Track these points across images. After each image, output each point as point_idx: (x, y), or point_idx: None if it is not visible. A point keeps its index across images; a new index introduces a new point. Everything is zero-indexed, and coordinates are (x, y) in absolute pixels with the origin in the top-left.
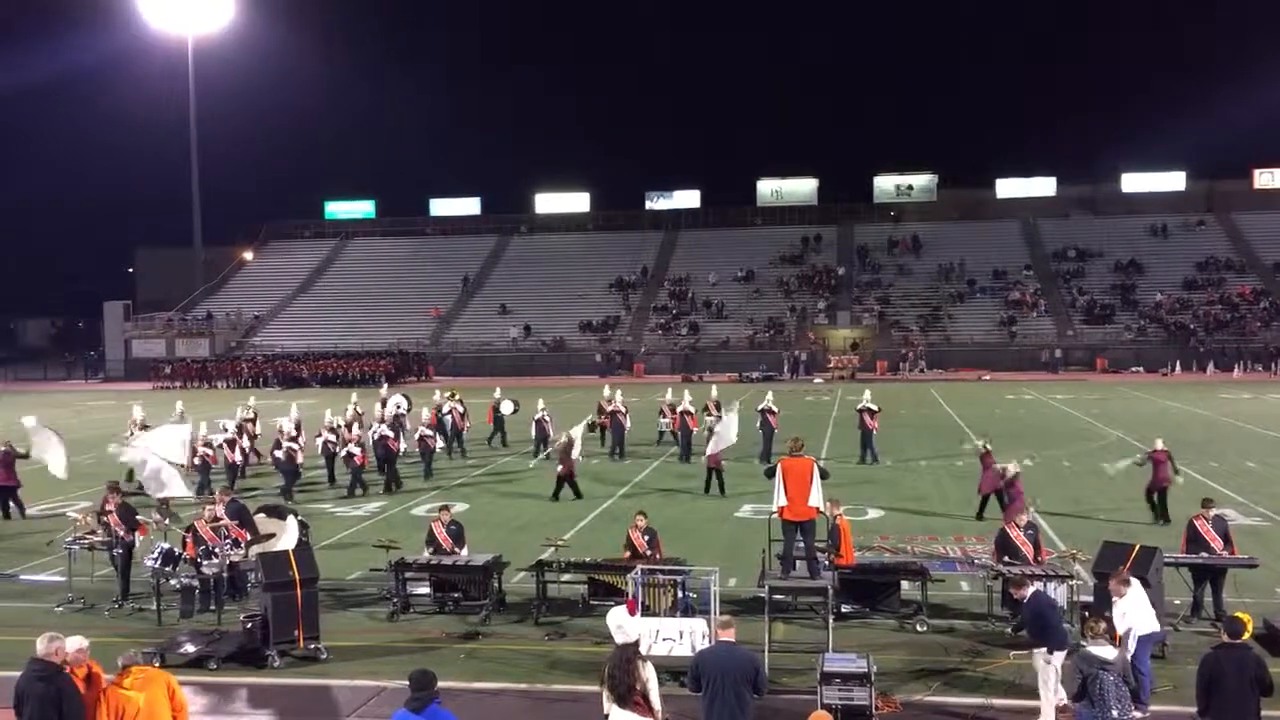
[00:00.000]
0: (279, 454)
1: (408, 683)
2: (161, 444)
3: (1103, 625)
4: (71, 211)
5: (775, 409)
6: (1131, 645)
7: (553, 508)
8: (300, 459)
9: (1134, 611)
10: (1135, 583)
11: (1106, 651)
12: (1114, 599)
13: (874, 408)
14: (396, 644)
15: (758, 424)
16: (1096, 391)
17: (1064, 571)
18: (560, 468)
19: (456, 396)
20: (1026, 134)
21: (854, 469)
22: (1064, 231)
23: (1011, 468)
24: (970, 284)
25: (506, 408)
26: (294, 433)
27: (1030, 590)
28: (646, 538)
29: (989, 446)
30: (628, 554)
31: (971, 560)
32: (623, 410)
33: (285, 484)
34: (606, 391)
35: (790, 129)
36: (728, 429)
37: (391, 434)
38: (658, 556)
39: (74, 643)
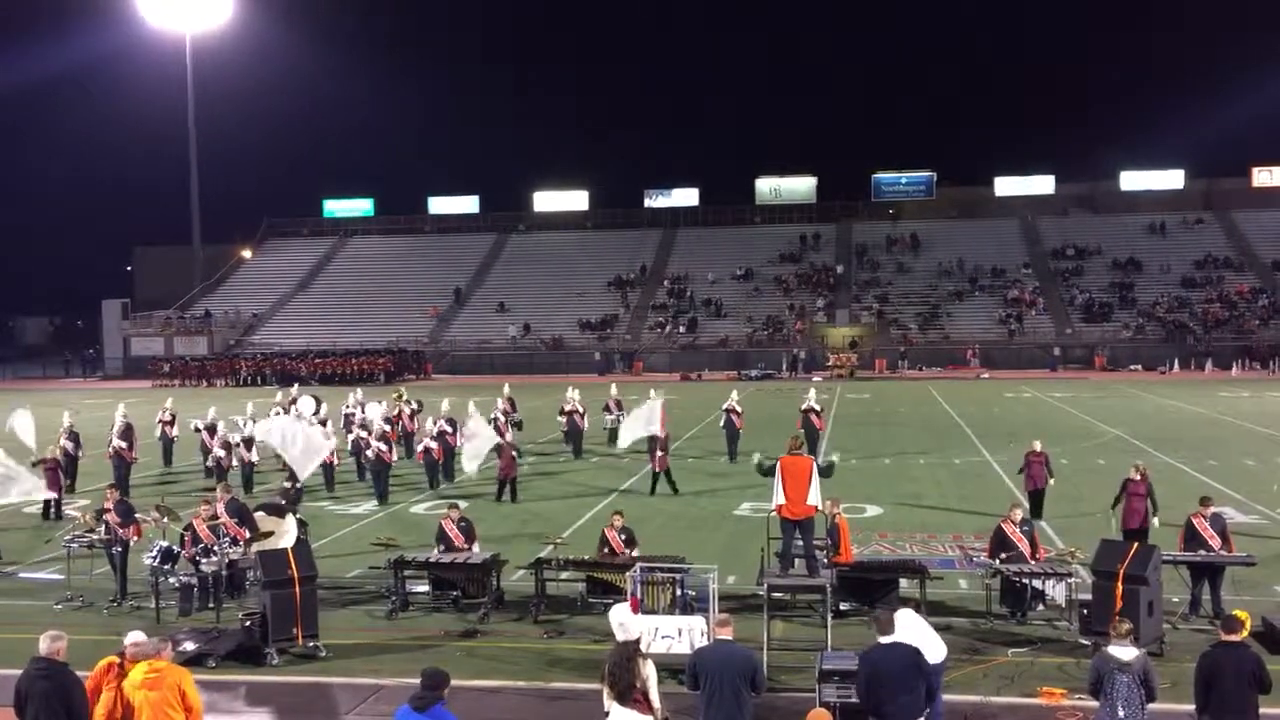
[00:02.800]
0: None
1: (416, 679)
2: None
3: (1126, 626)
4: (70, 209)
5: (739, 409)
6: None
7: (550, 507)
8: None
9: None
10: (903, 617)
11: (1125, 653)
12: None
13: (818, 408)
14: (395, 642)
15: (722, 423)
16: (1095, 389)
17: (1062, 569)
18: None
19: (404, 398)
20: (1025, 132)
21: (852, 466)
22: (1063, 229)
23: (1134, 472)
24: (970, 282)
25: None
26: (448, 428)
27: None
28: (623, 537)
29: (1039, 446)
30: (604, 553)
31: (970, 558)
32: (580, 410)
33: (431, 478)
34: (506, 389)
35: (789, 127)
36: (642, 418)
37: (450, 429)
38: (634, 556)
39: (133, 636)
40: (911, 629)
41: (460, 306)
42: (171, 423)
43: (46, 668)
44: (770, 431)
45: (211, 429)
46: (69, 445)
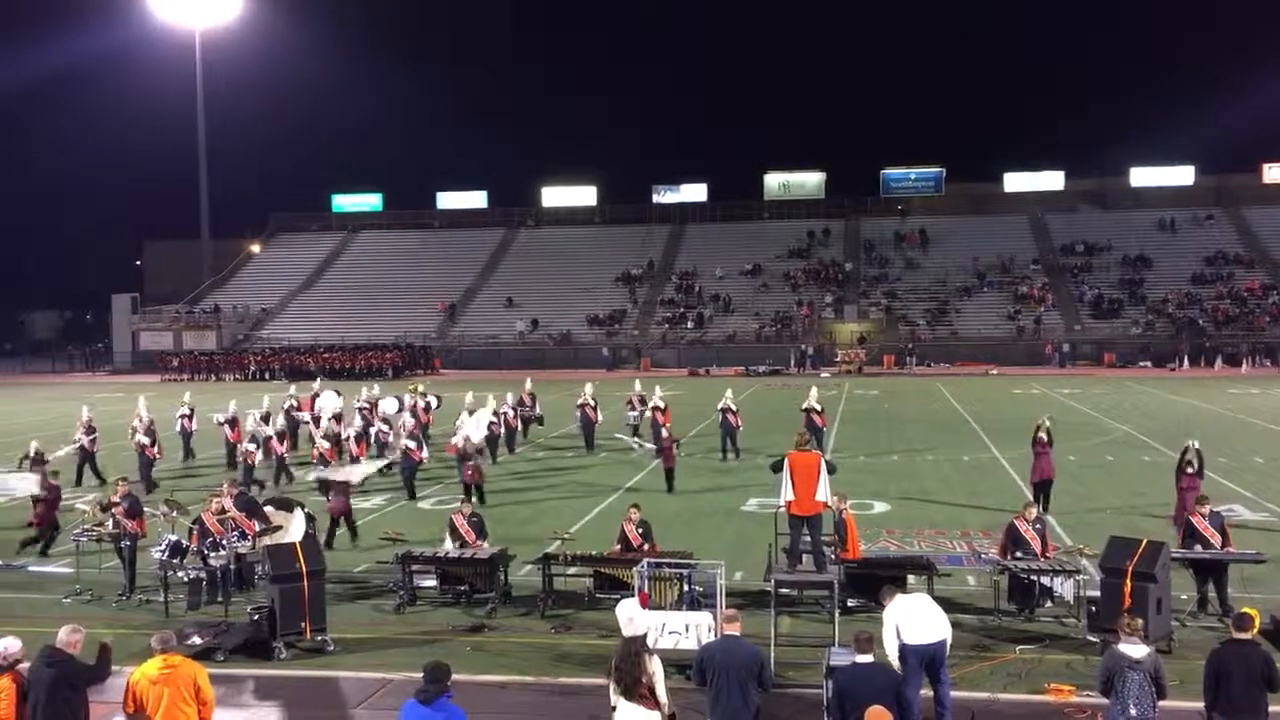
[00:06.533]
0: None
1: (421, 674)
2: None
3: (1139, 623)
4: (79, 204)
5: (735, 407)
6: (893, 657)
7: (558, 503)
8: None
9: (900, 624)
10: (901, 597)
11: (1136, 650)
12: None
13: (819, 407)
14: (403, 636)
15: (719, 423)
16: (1103, 386)
17: (1070, 566)
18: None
19: (420, 390)
20: (1034, 127)
21: (860, 462)
22: (1072, 225)
23: (1041, 432)
24: (978, 278)
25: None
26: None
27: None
28: (640, 530)
29: (1044, 436)
30: (619, 547)
31: (978, 554)
32: (592, 404)
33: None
34: (528, 384)
35: (797, 122)
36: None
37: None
38: (656, 549)
39: (6, 643)
40: (920, 607)
41: (453, 322)
42: (190, 416)
43: (52, 656)
44: (772, 429)
45: (233, 422)
46: (84, 440)
